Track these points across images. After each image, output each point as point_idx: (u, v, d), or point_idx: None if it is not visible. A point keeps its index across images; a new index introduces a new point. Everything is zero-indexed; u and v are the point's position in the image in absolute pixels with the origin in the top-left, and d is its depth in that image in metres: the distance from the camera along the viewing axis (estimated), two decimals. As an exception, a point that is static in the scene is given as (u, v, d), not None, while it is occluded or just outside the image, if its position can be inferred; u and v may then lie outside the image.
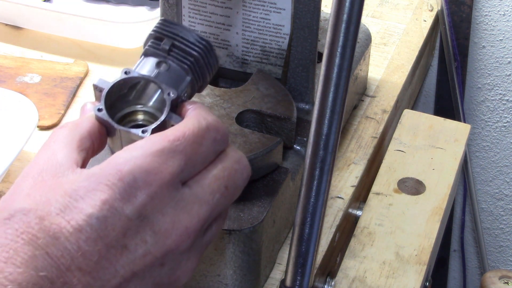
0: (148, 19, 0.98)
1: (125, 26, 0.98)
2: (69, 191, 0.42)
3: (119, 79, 0.50)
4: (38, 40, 1.01)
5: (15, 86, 0.90)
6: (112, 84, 0.50)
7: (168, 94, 0.50)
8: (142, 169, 0.43)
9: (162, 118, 0.49)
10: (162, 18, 0.55)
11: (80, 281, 0.40)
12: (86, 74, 0.95)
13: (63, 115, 0.87)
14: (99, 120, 0.48)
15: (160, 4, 0.74)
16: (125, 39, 0.99)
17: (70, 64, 0.96)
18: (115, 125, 0.48)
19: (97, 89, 0.50)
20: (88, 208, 0.41)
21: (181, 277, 0.46)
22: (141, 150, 0.44)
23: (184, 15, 0.73)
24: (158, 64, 0.52)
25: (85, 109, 0.49)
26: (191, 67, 0.53)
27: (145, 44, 0.55)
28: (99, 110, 0.48)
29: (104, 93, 0.49)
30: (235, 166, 0.48)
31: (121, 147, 0.46)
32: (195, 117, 0.47)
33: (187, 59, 0.53)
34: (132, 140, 0.47)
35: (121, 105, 0.51)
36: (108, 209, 0.41)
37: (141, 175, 0.43)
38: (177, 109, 0.50)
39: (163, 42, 0.53)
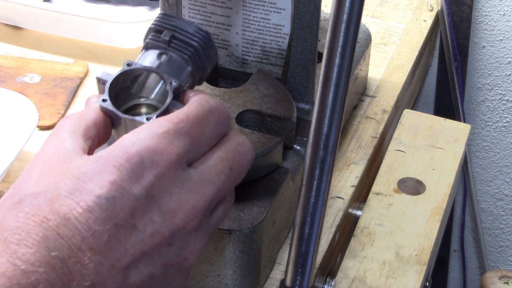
0: (148, 19, 0.98)
1: (125, 26, 0.98)
2: (78, 174, 0.43)
3: (122, 71, 0.51)
4: (38, 40, 1.01)
5: (15, 86, 0.90)
6: (115, 75, 0.50)
7: (170, 83, 0.51)
8: (149, 150, 0.44)
9: (166, 105, 0.49)
10: (161, 12, 0.55)
11: (91, 260, 0.41)
12: (86, 74, 0.95)
13: (63, 115, 0.87)
14: (104, 110, 0.49)
15: (160, 4, 0.75)
16: (125, 39, 0.99)
17: (70, 64, 0.96)
18: (120, 114, 0.49)
19: (100, 81, 0.51)
20: (97, 189, 0.42)
21: (189, 258, 0.46)
22: (147, 132, 0.45)
23: (184, 15, 0.73)
24: (159, 56, 0.53)
25: (90, 102, 0.50)
26: (192, 57, 0.53)
27: (145, 39, 0.56)
28: (104, 100, 0.49)
29: (107, 84, 0.50)
30: (238, 148, 0.49)
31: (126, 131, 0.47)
32: (198, 101, 0.48)
33: (187, 49, 0.53)
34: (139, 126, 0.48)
35: (124, 98, 0.52)
36: (116, 190, 0.42)
37: (148, 156, 0.44)
38: (179, 98, 0.51)
39: (163, 34, 0.54)
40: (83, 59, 0.97)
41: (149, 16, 1.00)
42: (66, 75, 0.93)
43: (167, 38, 0.53)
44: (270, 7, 0.70)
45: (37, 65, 0.95)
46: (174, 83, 0.50)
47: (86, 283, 0.41)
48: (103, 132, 0.48)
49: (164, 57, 0.53)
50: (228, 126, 0.49)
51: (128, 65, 0.52)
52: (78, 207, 0.42)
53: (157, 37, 0.54)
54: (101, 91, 0.51)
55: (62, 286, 0.40)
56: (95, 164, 0.43)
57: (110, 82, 0.50)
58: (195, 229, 0.46)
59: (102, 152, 0.44)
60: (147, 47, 0.55)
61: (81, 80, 0.93)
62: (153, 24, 0.55)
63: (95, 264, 0.41)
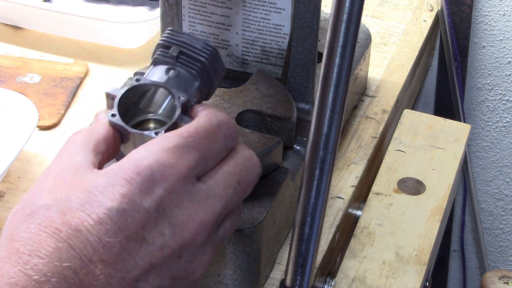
0: (148, 19, 0.98)
1: (125, 26, 0.98)
2: (89, 187, 0.44)
3: (130, 86, 0.52)
4: (38, 40, 1.01)
5: (15, 86, 0.90)
6: (124, 91, 0.51)
7: (179, 97, 0.51)
8: (159, 164, 0.44)
9: (174, 119, 0.50)
10: (170, 28, 0.58)
11: (102, 272, 0.42)
12: (86, 74, 0.95)
13: (63, 115, 0.87)
14: (113, 125, 0.50)
15: (160, 4, 0.74)
16: (125, 39, 0.99)
17: (70, 64, 0.96)
18: (129, 129, 0.49)
19: (109, 97, 0.52)
20: (108, 201, 0.43)
21: (197, 270, 0.47)
22: (157, 146, 0.46)
23: (184, 15, 0.73)
24: (167, 71, 0.54)
25: (99, 117, 0.51)
26: (199, 73, 0.54)
27: (153, 54, 0.57)
28: (113, 115, 0.50)
29: (116, 100, 0.50)
30: (246, 163, 0.49)
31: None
32: (206, 115, 0.49)
33: (195, 64, 0.54)
34: (148, 139, 0.49)
35: (132, 113, 0.53)
36: (127, 202, 0.43)
37: (158, 170, 0.44)
38: (187, 113, 0.51)
39: (171, 49, 0.55)
40: (83, 59, 0.97)
41: (149, 16, 1.00)
42: (66, 75, 0.93)
43: (175, 54, 0.54)
44: (270, 7, 0.70)
45: (37, 65, 0.95)
46: (182, 98, 0.51)
47: None
48: (113, 147, 0.49)
49: (172, 72, 0.54)
50: (236, 140, 0.50)
51: (136, 80, 0.52)
52: (90, 219, 0.42)
53: (165, 52, 0.55)
54: (110, 106, 0.52)
55: None
56: (106, 178, 0.44)
57: (119, 97, 0.51)
58: (203, 243, 0.46)
59: (113, 166, 0.45)
60: (155, 62, 0.55)
61: (81, 80, 0.93)
62: (161, 40, 0.56)
63: (106, 276, 0.42)
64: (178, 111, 0.50)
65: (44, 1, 1.03)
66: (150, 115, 0.53)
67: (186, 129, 0.47)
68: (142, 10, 1.04)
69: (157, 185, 0.44)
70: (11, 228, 0.44)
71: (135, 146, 0.49)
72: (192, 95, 0.53)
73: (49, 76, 0.93)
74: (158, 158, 0.45)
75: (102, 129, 0.49)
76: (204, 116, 0.49)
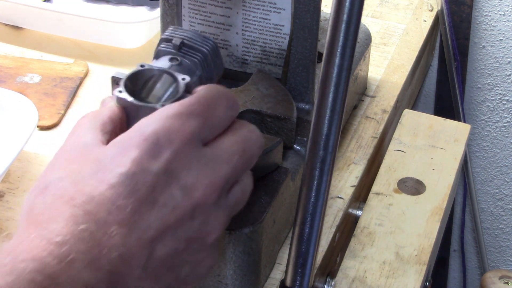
0: (148, 19, 0.98)
1: (125, 26, 0.98)
2: (99, 158, 0.46)
3: (136, 70, 0.53)
4: (38, 40, 1.01)
5: (15, 86, 0.90)
6: (129, 73, 0.52)
7: (183, 79, 0.53)
8: (164, 129, 0.46)
9: (179, 95, 0.51)
10: (172, 25, 0.60)
11: (118, 233, 0.43)
12: (86, 74, 0.95)
13: (63, 115, 0.87)
14: (120, 101, 0.51)
15: (160, 4, 0.74)
16: (125, 39, 0.99)
17: (70, 64, 0.96)
18: (135, 102, 0.50)
19: (115, 81, 0.53)
20: (118, 168, 0.44)
21: (211, 233, 0.48)
22: (161, 114, 0.47)
23: (184, 15, 0.73)
24: (170, 60, 0.56)
25: (105, 102, 0.53)
26: (201, 62, 0.56)
27: (156, 49, 0.59)
28: (120, 92, 0.51)
29: (123, 80, 0.52)
30: (249, 134, 0.51)
31: None
32: (206, 88, 0.51)
33: (196, 55, 0.57)
34: None
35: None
36: (136, 167, 0.44)
37: (164, 134, 0.46)
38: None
39: (173, 40, 0.57)
40: (83, 59, 0.97)
41: (149, 16, 1.00)
42: (66, 75, 0.93)
43: (178, 43, 0.57)
44: (270, 7, 0.70)
45: (37, 65, 0.95)
46: (186, 79, 0.52)
47: (114, 254, 0.43)
48: (119, 127, 0.50)
49: (175, 61, 0.56)
50: (236, 111, 0.51)
51: (141, 66, 0.54)
52: (102, 186, 0.44)
53: (167, 45, 0.57)
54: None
55: (91, 257, 0.42)
56: (114, 148, 0.46)
57: (125, 78, 0.52)
58: (215, 204, 0.47)
59: (120, 137, 0.47)
60: (158, 55, 0.57)
61: (81, 80, 0.93)
62: (164, 35, 0.58)
63: (122, 236, 0.43)
64: (182, 89, 0.52)
65: (44, 1, 1.03)
66: (151, 105, 0.54)
67: (188, 99, 0.49)
68: (142, 10, 1.04)
69: (164, 149, 0.45)
70: (28, 204, 0.46)
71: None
72: (194, 83, 0.54)
73: (49, 76, 0.93)
74: (162, 124, 0.46)
75: (108, 111, 0.50)
76: (204, 88, 0.50)
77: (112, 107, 0.51)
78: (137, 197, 0.44)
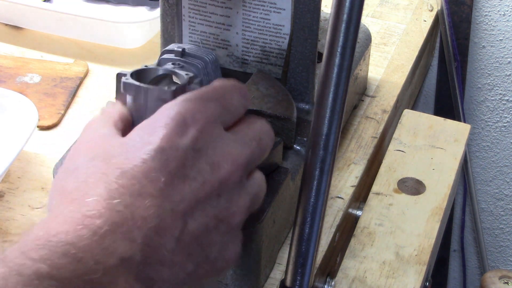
0: (148, 19, 0.98)
1: (125, 26, 0.98)
2: (125, 141, 0.47)
3: (141, 67, 0.55)
4: (38, 40, 1.01)
5: (15, 86, 0.90)
6: (135, 69, 0.54)
7: (186, 74, 0.54)
8: (188, 109, 0.48)
9: (185, 81, 0.53)
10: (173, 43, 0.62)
11: (152, 204, 0.44)
12: (86, 74, 0.95)
13: (63, 115, 0.87)
14: (127, 87, 0.52)
15: (160, 4, 0.74)
16: (125, 39, 0.99)
17: (70, 64, 0.96)
18: (143, 85, 0.51)
19: (120, 76, 0.54)
20: (148, 145, 0.46)
21: (236, 214, 0.49)
22: (182, 98, 0.49)
23: (184, 15, 0.73)
24: (173, 64, 0.58)
25: (108, 105, 0.53)
26: (202, 68, 0.59)
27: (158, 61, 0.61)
28: (126, 78, 0.52)
29: (129, 72, 0.53)
30: (263, 126, 0.53)
31: (147, 115, 0.49)
32: (220, 79, 0.53)
33: (198, 61, 0.59)
34: (160, 99, 0.51)
35: None
36: (166, 143, 0.46)
37: (189, 114, 0.47)
38: None
39: (176, 47, 0.59)
40: (83, 59, 0.97)
41: (149, 16, 1.00)
42: (66, 75, 0.93)
43: (181, 50, 0.59)
44: (270, 7, 0.70)
45: (37, 65, 0.95)
46: (190, 74, 0.54)
47: (150, 224, 0.43)
48: (128, 127, 0.51)
49: (177, 64, 0.58)
50: (249, 100, 0.53)
51: (145, 66, 0.55)
52: (134, 161, 0.45)
53: (169, 54, 0.60)
54: (119, 88, 0.54)
55: (126, 229, 0.43)
56: (141, 130, 0.47)
57: (131, 71, 0.53)
58: (238, 184, 0.49)
59: (144, 122, 0.48)
60: (160, 63, 0.59)
61: (81, 80, 0.93)
62: (165, 49, 0.61)
63: (156, 207, 0.44)
64: (186, 78, 0.53)
65: (44, 1, 1.03)
66: (159, 87, 0.57)
67: (204, 88, 0.51)
68: (142, 10, 1.04)
69: (190, 127, 0.47)
70: (59, 185, 0.46)
71: (147, 108, 0.51)
72: (197, 78, 0.56)
73: (49, 76, 0.93)
74: (186, 106, 0.48)
75: (117, 110, 0.51)
76: (218, 80, 0.52)
77: (119, 107, 0.52)
78: (169, 171, 0.45)
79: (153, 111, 0.49)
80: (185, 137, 0.47)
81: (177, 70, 0.55)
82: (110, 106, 0.53)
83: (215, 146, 0.48)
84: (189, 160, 0.46)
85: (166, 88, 0.51)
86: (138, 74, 0.54)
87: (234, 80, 0.53)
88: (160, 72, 0.55)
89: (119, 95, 0.54)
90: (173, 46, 0.60)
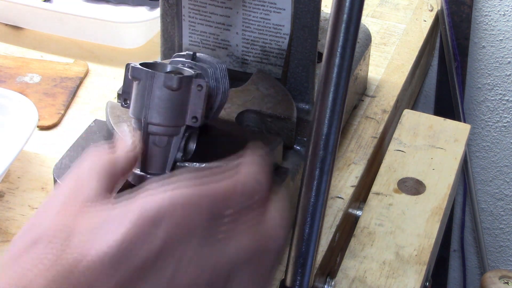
0: (148, 19, 0.98)
1: (125, 26, 0.98)
2: (95, 222, 0.42)
3: (152, 61, 0.56)
4: (38, 40, 1.01)
5: (15, 86, 0.90)
6: (144, 62, 0.55)
7: (194, 71, 0.56)
8: (169, 207, 0.42)
9: (191, 74, 0.54)
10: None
11: None
12: (86, 74, 0.95)
13: (63, 115, 0.87)
14: (134, 70, 0.53)
15: (160, 4, 0.74)
16: (125, 39, 0.99)
17: (70, 64, 0.96)
18: (150, 70, 0.52)
19: (129, 68, 0.55)
20: (108, 241, 0.41)
21: None
22: (179, 180, 0.43)
23: (184, 15, 0.73)
24: (182, 65, 0.59)
25: (121, 135, 0.51)
26: (211, 72, 0.59)
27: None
28: (135, 64, 0.54)
29: (139, 62, 0.54)
30: (269, 230, 0.43)
31: (149, 99, 0.49)
32: (248, 164, 0.44)
33: (207, 67, 0.60)
34: (165, 85, 0.51)
35: None
36: (125, 248, 0.41)
37: (166, 214, 0.42)
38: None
39: (186, 52, 0.60)
40: (83, 59, 0.97)
41: (149, 16, 1.00)
42: (66, 75, 0.93)
43: (191, 53, 0.60)
44: (270, 7, 0.70)
45: (37, 65, 0.95)
46: (197, 71, 0.56)
47: None
48: (131, 168, 0.48)
49: (187, 64, 0.59)
50: (263, 193, 0.44)
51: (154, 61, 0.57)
52: (85, 261, 0.41)
53: (180, 57, 0.61)
54: (126, 83, 0.56)
55: None
56: (115, 211, 0.42)
57: (141, 62, 0.54)
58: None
59: (122, 203, 0.43)
60: (170, 64, 0.60)
61: (81, 80, 0.93)
62: (174, 55, 0.62)
63: None
64: (194, 73, 0.55)
65: (44, 1, 1.03)
66: (168, 70, 0.58)
67: (222, 172, 0.43)
68: (142, 10, 1.04)
69: (157, 235, 0.41)
70: (15, 250, 0.43)
71: (152, 94, 0.51)
72: (205, 78, 0.58)
73: (49, 76, 0.93)
74: (170, 200, 0.41)
75: (106, 159, 0.47)
76: (245, 165, 0.44)
77: (110, 157, 0.47)
78: (116, 281, 0.40)
79: (158, 97, 0.49)
80: (148, 243, 0.40)
81: (185, 69, 0.56)
82: (101, 153, 0.48)
83: (182, 260, 0.41)
84: (147, 272, 0.41)
85: (172, 75, 0.52)
86: (147, 66, 0.55)
87: (262, 159, 0.44)
88: (169, 68, 0.56)
89: (126, 84, 0.55)
90: (180, 53, 0.62)
